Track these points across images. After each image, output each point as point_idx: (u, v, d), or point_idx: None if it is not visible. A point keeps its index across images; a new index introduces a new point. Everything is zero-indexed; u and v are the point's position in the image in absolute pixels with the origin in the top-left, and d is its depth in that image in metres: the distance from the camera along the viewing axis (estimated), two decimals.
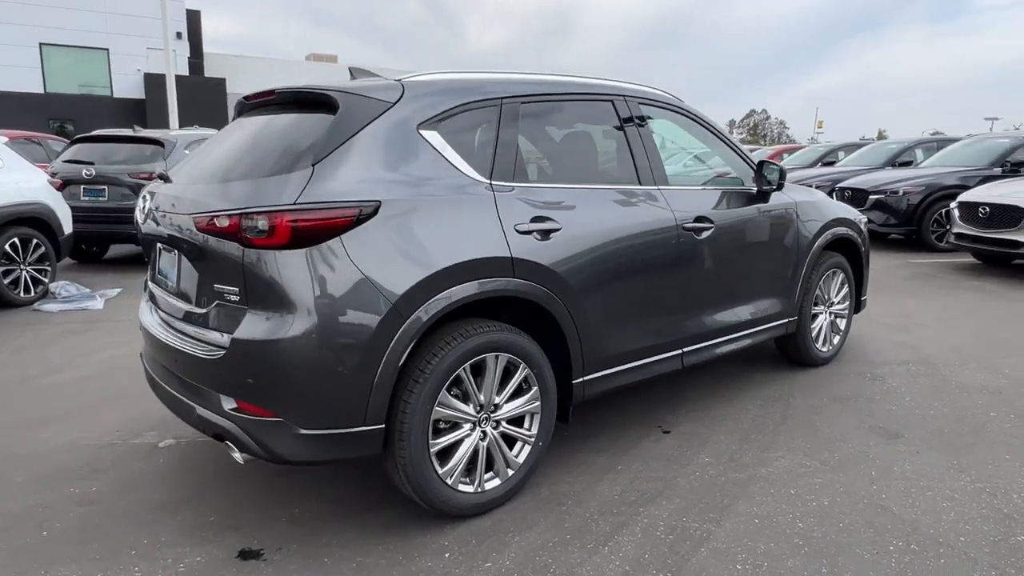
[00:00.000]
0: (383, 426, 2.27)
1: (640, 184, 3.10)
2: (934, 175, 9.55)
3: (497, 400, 2.57)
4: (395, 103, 2.42)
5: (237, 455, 2.32)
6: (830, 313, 4.33)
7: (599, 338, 2.83)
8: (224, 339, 2.22)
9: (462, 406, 2.48)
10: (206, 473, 2.97)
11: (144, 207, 2.68)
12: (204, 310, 2.33)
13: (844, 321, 4.49)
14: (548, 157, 2.91)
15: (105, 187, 7.80)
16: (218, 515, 2.62)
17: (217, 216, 2.18)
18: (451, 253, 2.35)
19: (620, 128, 3.11)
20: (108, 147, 8.17)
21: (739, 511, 2.59)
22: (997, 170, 9.33)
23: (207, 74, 30.43)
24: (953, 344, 4.81)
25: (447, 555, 2.35)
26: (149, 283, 2.94)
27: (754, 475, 2.88)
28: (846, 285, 4.41)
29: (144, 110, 27.27)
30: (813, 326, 4.18)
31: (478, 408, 2.52)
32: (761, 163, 3.69)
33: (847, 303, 4.46)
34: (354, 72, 3.03)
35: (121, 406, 3.75)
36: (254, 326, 2.15)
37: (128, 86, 28.32)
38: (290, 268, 2.12)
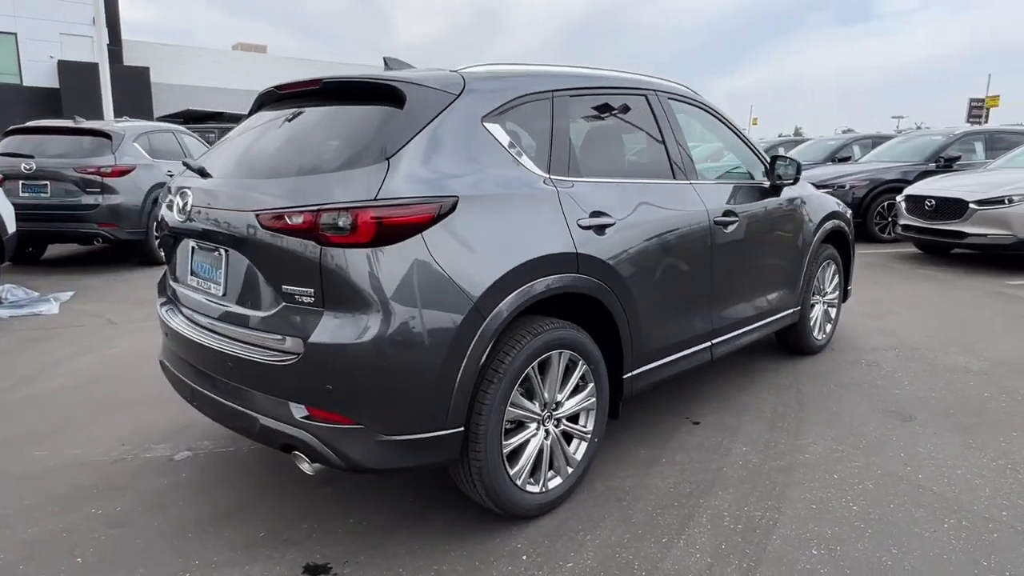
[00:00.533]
0: (463, 429, 2.20)
1: (675, 178, 3.12)
2: (876, 170, 10.09)
3: (559, 398, 2.54)
4: (459, 95, 2.34)
5: (306, 466, 2.19)
6: (824, 303, 4.50)
7: (646, 332, 2.83)
8: (296, 343, 2.09)
9: (530, 405, 2.43)
10: (238, 485, 2.80)
11: (178, 202, 2.49)
12: (267, 313, 2.19)
13: (835, 310, 4.68)
14: (596, 151, 2.89)
15: (47, 182, 7.24)
16: (267, 530, 2.47)
17: (290, 213, 2.05)
18: (525, 249, 2.30)
19: (655, 122, 3.13)
20: (47, 139, 7.59)
21: (793, 498, 2.66)
22: (932, 165, 9.94)
23: (126, 63, 28.73)
24: (927, 330, 5.10)
25: (524, 557, 2.30)
26: (172, 284, 2.75)
27: (794, 462, 2.96)
28: (837, 275, 4.60)
29: (59, 100, 25.49)
30: (811, 315, 4.34)
31: (543, 406, 2.48)
32: (775, 158, 3.79)
33: (837, 292, 4.65)
34: (389, 62, 2.91)
35: (115, 418, 3.49)
36: (333, 329, 2.03)
37: (39, 74, 26.42)
38: (372, 267, 2.01)
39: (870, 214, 9.76)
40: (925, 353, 4.51)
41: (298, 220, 2.04)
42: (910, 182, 9.14)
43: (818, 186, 9.90)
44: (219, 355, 2.30)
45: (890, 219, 9.60)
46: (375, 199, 2.02)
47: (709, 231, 3.17)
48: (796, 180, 3.80)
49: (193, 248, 2.56)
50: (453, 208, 2.14)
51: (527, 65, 2.77)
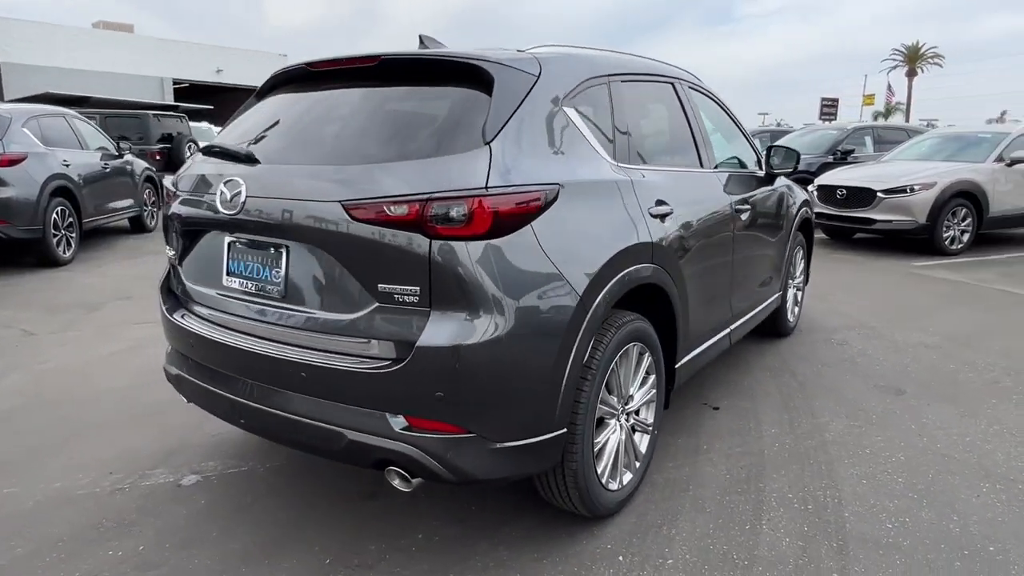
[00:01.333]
0: (566, 430, 2.08)
1: (702, 167, 3.14)
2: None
3: (631, 391, 2.48)
4: (539, 77, 2.20)
5: (399, 482, 1.99)
6: (793, 286, 4.73)
7: (692, 320, 2.83)
8: (393, 348, 1.89)
9: (612, 400, 2.35)
10: (273, 509, 2.51)
11: (223, 192, 2.16)
12: (353, 315, 1.95)
13: (801, 294, 4.94)
14: (646, 139, 2.83)
15: None
16: (330, 553, 2.23)
17: (391, 203, 1.84)
18: (614, 240, 2.22)
19: (683, 111, 3.12)
20: None
21: (842, 474, 2.76)
22: (831, 157, 10.77)
23: None
24: (870, 309, 5.50)
25: (620, 558, 2.22)
26: (189, 286, 2.41)
27: (823, 440, 3.08)
28: (803, 260, 4.85)
29: None
30: (787, 299, 4.54)
31: (620, 401, 2.41)
32: (770, 147, 3.91)
33: (802, 276, 4.90)
34: (425, 40, 2.69)
35: (86, 443, 3.04)
36: (443, 330, 1.84)
37: None
38: (487, 261, 1.84)
39: None
40: (881, 331, 4.86)
41: (401, 211, 1.83)
42: (814, 173, 9.85)
43: None
44: (284, 365, 2.03)
45: None
46: (486, 187, 1.85)
47: (731, 218, 3.22)
48: (795, 170, 3.95)
49: (231, 245, 2.25)
50: (556, 197, 2.01)
51: (580, 47, 2.66)
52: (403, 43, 2.63)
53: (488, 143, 1.93)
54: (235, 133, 2.47)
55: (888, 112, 63.65)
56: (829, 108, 45.55)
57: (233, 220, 2.13)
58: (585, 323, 2.05)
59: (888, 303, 5.74)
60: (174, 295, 2.56)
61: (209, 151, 2.39)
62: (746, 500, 2.56)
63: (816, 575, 2.12)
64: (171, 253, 2.54)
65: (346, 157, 2.05)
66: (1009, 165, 8.33)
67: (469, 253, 1.83)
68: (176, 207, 2.41)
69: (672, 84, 3.12)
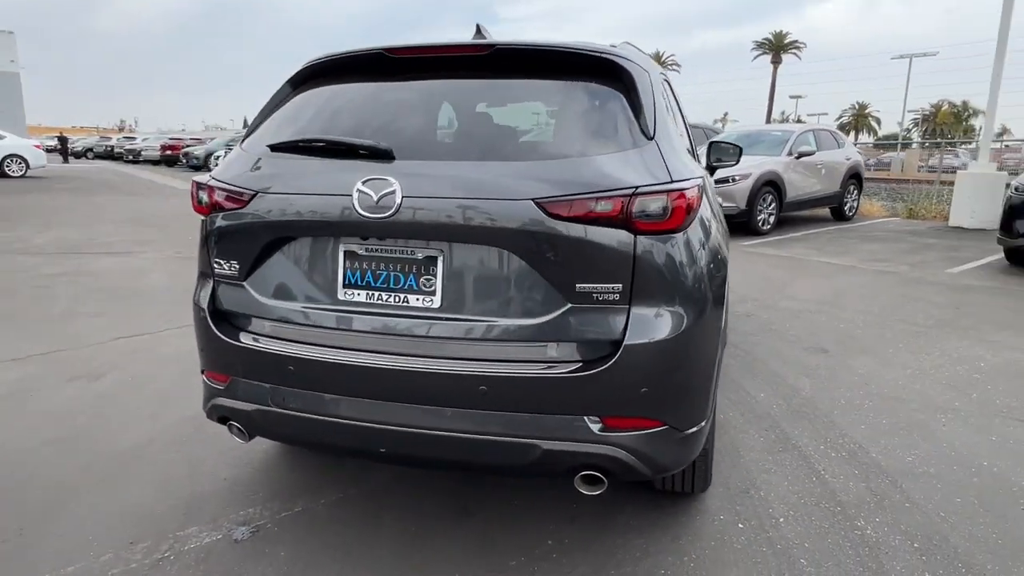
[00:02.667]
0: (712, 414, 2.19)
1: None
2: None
3: None
4: (650, 73, 2.25)
5: (585, 487, 1.93)
6: None
7: None
8: (590, 349, 1.83)
9: None
10: (368, 542, 2.26)
11: (366, 194, 1.87)
12: (539, 319, 1.83)
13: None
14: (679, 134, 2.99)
15: None
16: (471, 569, 2.09)
17: (597, 198, 1.77)
18: (722, 228, 2.36)
19: (676, 103, 3.33)
20: None
21: (843, 423, 3.21)
22: None
23: None
24: (745, 284, 6.31)
25: (740, 525, 2.39)
26: (274, 303, 2.06)
27: (804, 399, 3.53)
28: None
29: None
30: None
31: None
32: (713, 142, 4.30)
33: None
34: (481, 28, 2.56)
35: (74, 509, 2.44)
36: (647, 325, 1.83)
37: None
38: (679, 254, 1.87)
39: None
40: (765, 302, 5.62)
41: (606, 207, 1.78)
42: None
43: None
44: (455, 380, 1.85)
45: None
46: (671, 181, 1.88)
47: None
48: (737, 162, 4.39)
49: (350, 253, 1.97)
50: (704, 188, 2.10)
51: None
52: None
53: (651, 139, 1.95)
54: (306, 126, 2.16)
55: None
56: None
57: (378, 223, 1.87)
58: (724, 309, 2.17)
59: (749, 278, 6.62)
60: (229, 316, 2.16)
61: (293, 147, 2.06)
62: (793, 457, 2.88)
63: (894, 507, 2.49)
64: (225, 268, 2.14)
65: (503, 153, 1.93)
66: (797, 158, 10.01)
67: (667, 247, 1.85)
68: (248, 213, 2.04)
69: (665, 78, 3.33)
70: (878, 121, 71.95)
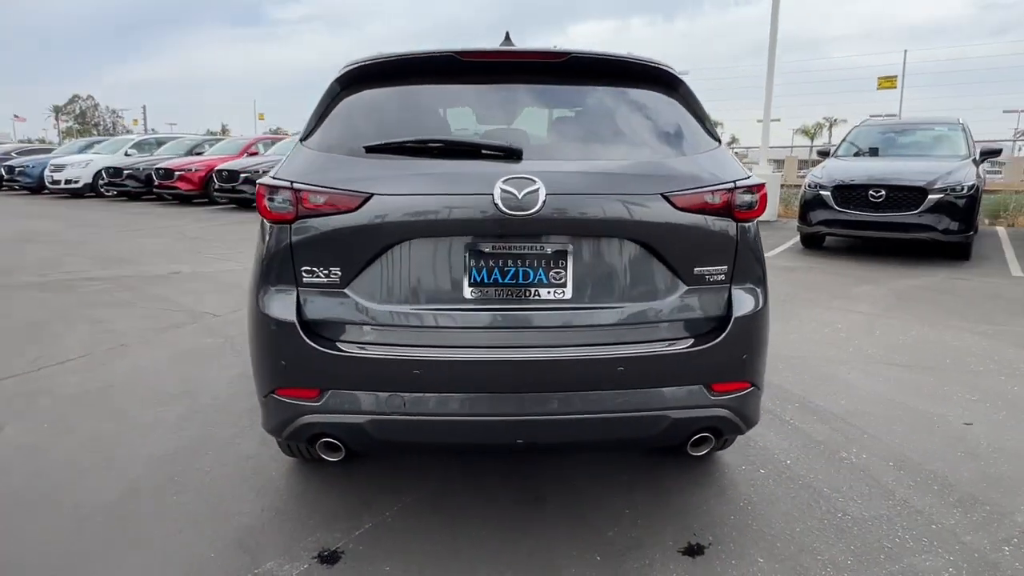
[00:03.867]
0: None
1: None
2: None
3: None
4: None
5: (695, 449, 2.17)
6: None
7: None
8: (705, 324, 2.09)
9: None
10: (476, 540, 2.28)
11: (510, 193, 1.91)
12: (663, 301, 2.05)
13: None
14: None
15: None
16: (591, 547, 2.23)
17: (711, 191, 2.02)
18: None
19: None
20: None
21: (801, 390, 3.81)
22: None
23: None
24: None
25: (763, 471, 2.79)
26: (386, 307, 2.01)
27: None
28: None
29: None
30: None
31: None
32: None
33: None
34: (509, 35, 2.66)
35: (132, 559, 2.10)
36: (748, 300, 2.13)
37: None
38: (757, 238, 2.19)
39: None
40: None
41: (717, 199, 2.04)
42: None
43: (240, 172, 11.48)
44: (593, 365, 1.98)
45: None
46: (749, 176, 2.19)
47: None
48: None
49: (476, 252, 1.99)
50: None
51: None
52: None
53: (719, 141, 2.26)
54: (390, 127, 2.12)
55: None
56: None
57: (519, 220, 1.93)
58: None
59: None
60: (321, 326, 2.05)
61: (398, 148, 2.01)
62: (765, 414, 3.38)
63: (858, 439, 3.07)
64: (320, 276, 2.02)
65: (619, 152, 2.09)
66: None
67: (752, 233, 2.16)
68: (360, 216, 1.96)
69: None
70: None
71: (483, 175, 1.96)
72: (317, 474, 2.72)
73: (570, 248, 2.02)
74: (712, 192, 2.06)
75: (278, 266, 2.08)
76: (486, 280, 2.02)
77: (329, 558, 2.20)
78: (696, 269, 2.08)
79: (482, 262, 2.02)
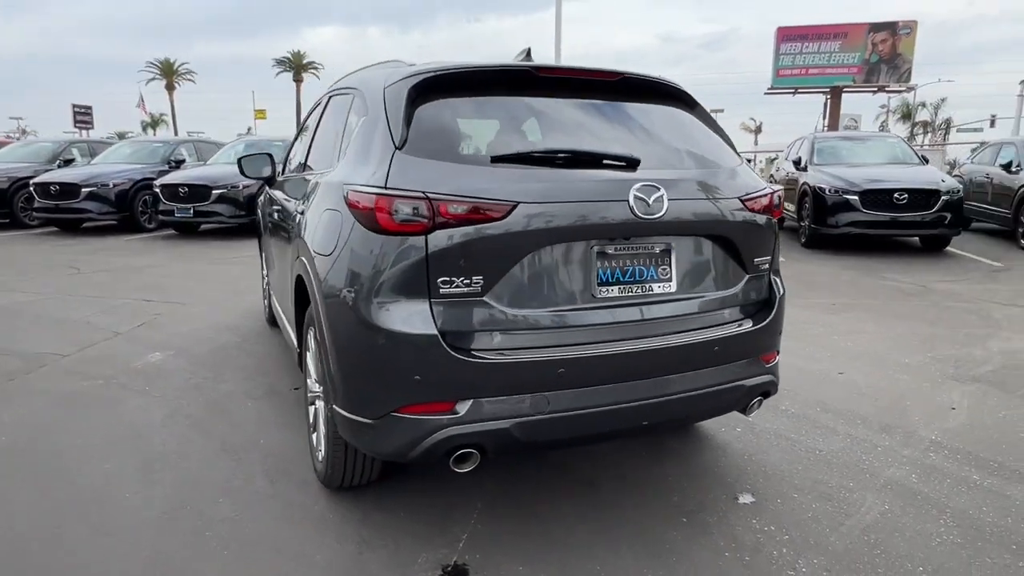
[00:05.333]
0: None
1: None
2: (128, 170, 11.52)
3: None
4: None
5: (747, 412, 2.57)
6: None
7: None
8: (761, 306, 2.50)
9: None
10: (563, 531, 2.42)
11: (641, 199, 2.12)
12: (733, 289, 2.41)
13: None
14: None
15: None
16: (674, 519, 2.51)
17: (768, 196, 2.43)
18: None
19: None
20: None
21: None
22: (166, 166, 12.01)
23: None
24: None
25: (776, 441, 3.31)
26: (522, 312, 2.09)
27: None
28: None
29: None
30: None
31: None
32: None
33: None
34: (530, 52, 2.79)
35: None
36: (779, 286, 2.59)
37: None
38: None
39: (135, 206, 11.20)
40: None
41: (766, 202, 2.46)
42: (154, 179, 11.02)
43: (81, 186, 10.53)
44: (695, 349, 2.27)
45: (150, 210, 11.34)
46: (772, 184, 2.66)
47: None
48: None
49: (601, 254, 2.15)
50: None
51: None
52: None
53: (740, 155, 2.70)
54: (487, 137, 2.20)
55: (155, 123, 65.34)
56: (84, 116, 43.91)
57: (647, 224, 2.15)
58: None
59: None
60: (456, 336, 2.04)
61: (523, 157, 2.10)
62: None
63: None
64: (459, 285, 2.02)
65: (692, 162, 2.40)
66: None
67: (776, 227, 2.63)
68: (506, 223, 2.01)
69: None
70: None
71: (617, 183, 2.15)
72: (375, 505, 2.59)
73: (672, 246, 2.29)
74: (767, 196, 2.49)
75: (405, 278, 2.02)
76: (611, 279, 2.20)
77: (456, 571, 2.17)
78: (755, 260, 2.49)
79: (607, 263, 2.19)
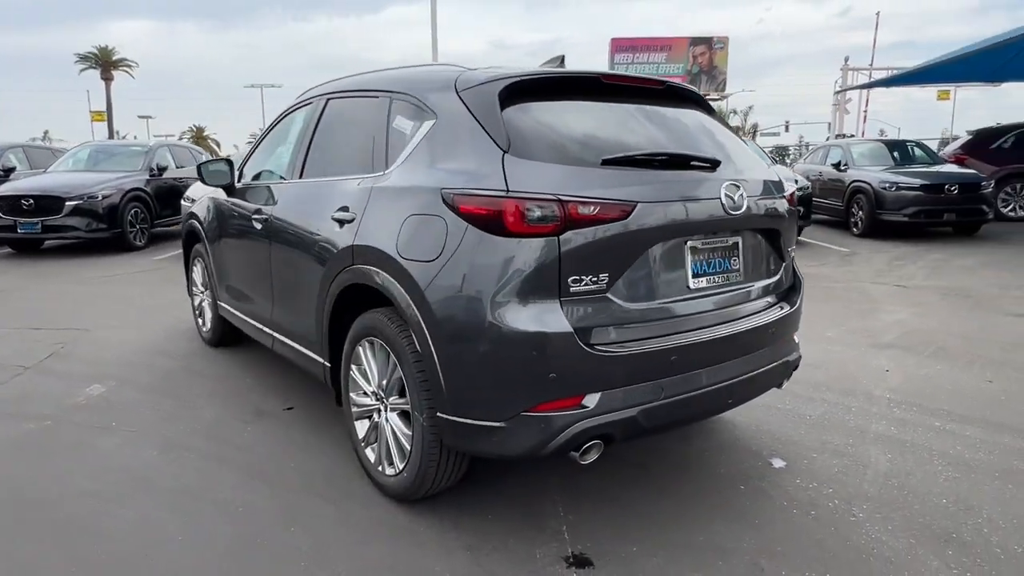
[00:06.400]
0: None
1: None
2: (120, 179, 9.87)
3: None
4: None
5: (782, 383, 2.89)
6: None
7: None
8: (793, 290, 2.83)
9: None
10: (645, 515, 2.58)
11: (732, 196, 2.37)
12: (776, 276, 2.70)
13: None
14: None
15: None
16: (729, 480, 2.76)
17: (797, 190, 2.75)
18: None
19: None
20: None
21: None
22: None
23: None
24: None
25: None
26: (634, 305, 2.22)
27: None
28: None
29: None
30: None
31: None
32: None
33: None
34: (564, 60, 2.89)
35: None
36: (799, 271, 2.94)
37: None
38: None
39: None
40: None
41: (792, 196, 2.79)
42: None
43: (65, 199, 9.05)
44: (761, 331, 2.52)
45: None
46: None
47: None
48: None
49: (693, 248, 2.33)
50: None
51: None
52: None
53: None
54: (564, 135, 2.32)
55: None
56: None
57: (731, 219, 2.37)
58: None
59: None
60: (585, 332, 2.13)
61: (630, 160, 2.23)
62: None
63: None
64: (587, 283, 2.10)
65: (745, 162, 2.65)
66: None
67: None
68: (630, 223, 2.13)
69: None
70: (218, 144, 75.83)
71: (709, 182, 2.35)
72: (456, 511, 2.57)
73: (739, 239, 2.53)
74: (794, 192, 2.81)
75: (535, 278, 2.07)
76: (700, 271, 2.39)
77: (579, 561, 2.25)
78: (788, 248, 2.80)
79: (697, 256, 2.38)
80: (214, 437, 3.26)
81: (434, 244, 2.21)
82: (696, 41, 35.55)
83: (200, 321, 4.94)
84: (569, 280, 2.09)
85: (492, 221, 2.08)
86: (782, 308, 2.74)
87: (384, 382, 2.57)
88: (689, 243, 2.37)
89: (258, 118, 48.89)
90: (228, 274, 4.13)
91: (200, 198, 4.68)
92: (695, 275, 2.40)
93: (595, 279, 2.13)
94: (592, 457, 2.21)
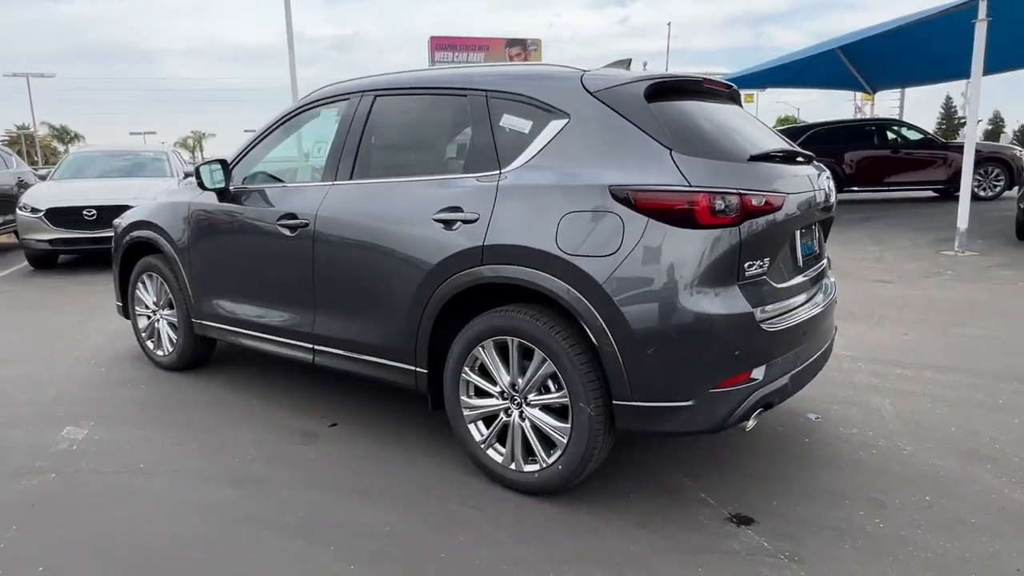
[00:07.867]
0: None
1: None
2: None
3: None
4: None
5: None
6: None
7: None
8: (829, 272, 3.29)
9: None
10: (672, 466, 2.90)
11: (822, 191, 2.68)
12: (826, 255, 3.13)
13: None
14: None
15: None
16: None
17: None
18: None
19: None
20: None
21: None
22: None
23: None
24: None
25: None
26: (781, 285, 2.52)
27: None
28: None
29: None
30: None
31: None
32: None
33: None
34: (630, 63, 3.06)
35: None
36: None
37: None
38: None
39: None
40: None
41: None
42: None
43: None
44: (831, 301, 2.94)
45: None
46: None
47: None
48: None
49: (797, 234, 2.65)
50: None
51: None
52: None
53: None
54: (711, 133, 2.54)
55: None
56: None
57: (824, 207, 2.73)
58: None
59: None
60: (758, 311, 2.38)
61: (769, 156, 2.49)
62: None
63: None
64: (756, 268, 2.36)
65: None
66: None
67: None
68: (782, 213, 2.41)
69: None
70: None
71: (815, 175, 2.70)
72: (591, 495, 2.66)
73: (814, 226, 2.91)
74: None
75: (719, 265, 2.26)
76: (804, 253, 2.73)
77: (741, 519, 2.48)
78: (827, 237, 3.25)
79: (801, 240, 2.72)
80: (280, 463, 2.99)
81: (608, 239, 2.30)
82: (512, 42, 36.89)
83: (151, 344, 4.36)
84: (746, 265, 2.32)
85: (678, 215, 2.23)
86: (833, 281, 3.19)
87: (519, 381, 2.58)
88: (799, 230, 2.70)
89: (21, 113, 41.48)
90: (223, 287, 3.74)
91: (157, 203, 4.16)
92: (804, 256, 2.75)
93: (761, 263, 2.38)
94: (752, 423, 2.45)
